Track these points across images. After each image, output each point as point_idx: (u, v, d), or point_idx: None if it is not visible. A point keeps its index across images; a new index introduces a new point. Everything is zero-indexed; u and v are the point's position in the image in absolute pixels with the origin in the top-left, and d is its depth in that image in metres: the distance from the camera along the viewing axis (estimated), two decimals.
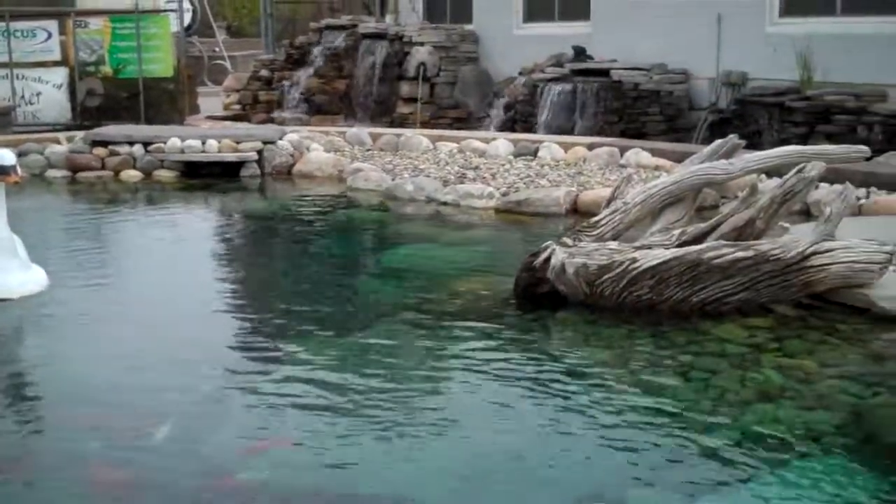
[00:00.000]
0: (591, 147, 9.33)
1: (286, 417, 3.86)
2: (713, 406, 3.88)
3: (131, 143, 9.83)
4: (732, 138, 5.57)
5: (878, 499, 3.17)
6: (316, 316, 5.21)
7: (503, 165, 9.07)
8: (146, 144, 9.81)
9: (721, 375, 4.17)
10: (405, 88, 14.21)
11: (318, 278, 6.17)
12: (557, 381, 4.20)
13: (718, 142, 5.57)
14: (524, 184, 8.23)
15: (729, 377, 4.15)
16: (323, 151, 10.09)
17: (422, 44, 14.23)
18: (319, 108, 14.97)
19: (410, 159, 9.74)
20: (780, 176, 5.31)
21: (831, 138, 9.16)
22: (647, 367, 4.30)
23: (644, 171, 8.44)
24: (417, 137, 10.47)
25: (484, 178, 8.55)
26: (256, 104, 15.73)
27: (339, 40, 15.19)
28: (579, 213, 7.33)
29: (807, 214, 6.70)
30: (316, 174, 9.52)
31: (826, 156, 5.29)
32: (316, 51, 15.49)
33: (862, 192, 7.11)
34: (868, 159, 6.13)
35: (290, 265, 6.67)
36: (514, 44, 14.19)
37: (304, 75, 15.38)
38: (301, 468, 3.47)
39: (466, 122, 13.87)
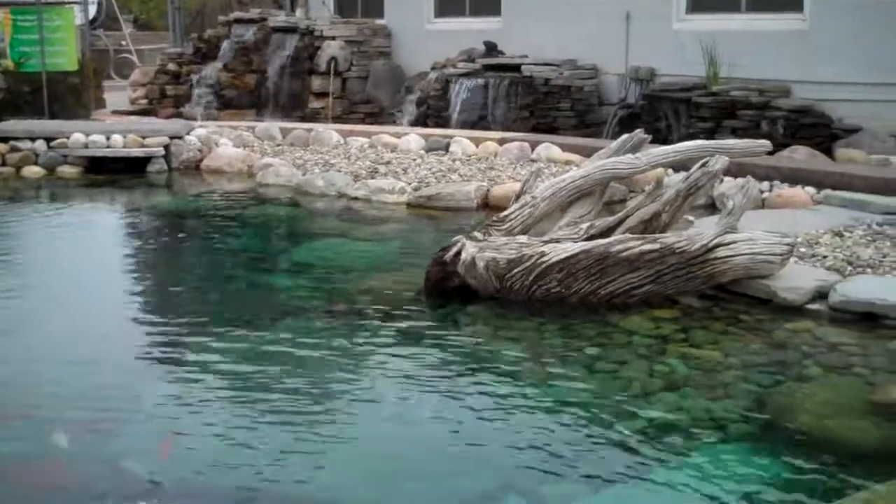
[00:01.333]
0: (501, 142, 9.37)
1: (195, 414, 3.80)
2: (621, 397, 3.93)
3: (33, 139, 9.56)
4: (638, 133, 5.65)
5: (779, 483, 3.25)
6: (225, 312, 5.14)
7: (415, 160, 9.05)
8: (49, 140, 9.54)
9: (628, 366, 4.23)
10: (316, 83, 14.09)
11: (227, 274, 6.08)
12: (468, 374, 4.22)
13: (625, 137, 5.64)
14: (435, 178, 8.22)
15: (636, 368, 4.21)
16: (232, 146, 9.95)
17: (333, 38, 14.12)
18: (229, 103, 14.75)
19: (321, 154, 9.65)
20: (686, 170, 5.40)
21: (737, 133, 9.36)
22: (557, 360, 4.34)
23: (555, 165, 8.50)
24: (328, 132, 10.38)
25: (395, 172, 8.52)
26: (164, 98, 15.44)
27: (249, 34, 14.98)
28: (490, 207, 7.35)
29: (712, 208, 6.82)
30: (225, 169, 9.38)
31: (729, 150, 5.39)
32: (225, 44, 15.26)
33: (765, 185, 7.27)
34: (771, 153, 6.28)
35: (199, 261, 6.56)
36: (426, 39, 14.18)
37: (212, 69, 15.13)
38: (209, 465, 3.41)
39: (379, 116, 13.80)
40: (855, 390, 3.94)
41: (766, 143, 5.54)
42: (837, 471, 3.32)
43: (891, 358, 4.23)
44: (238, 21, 15.47)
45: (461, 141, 9.50)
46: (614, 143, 5.63)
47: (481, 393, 4.03)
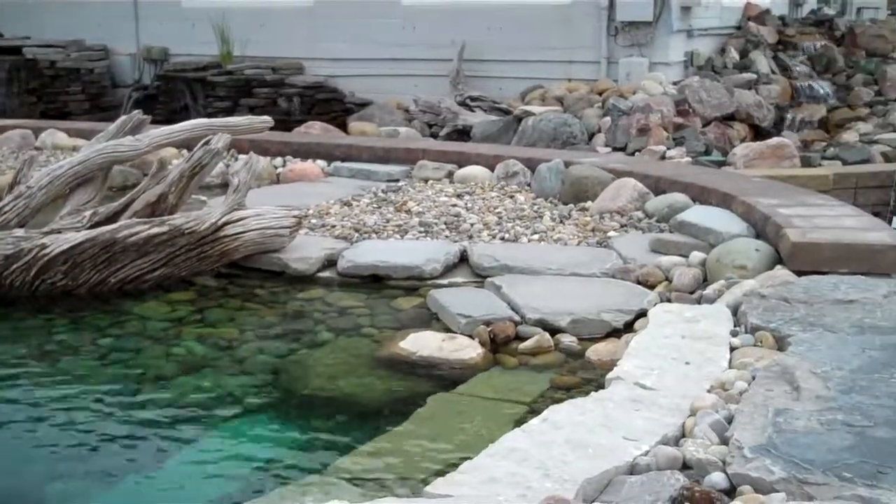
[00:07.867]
0: (1, 130, 8.69)
1: None
2: (137, 386, 3.84)
3: None
4: (137, 114, 5.50)
5: (296, 446, 3.34)
6: None
7: None
8: None
9: (144, 354, 4.13)
10: None
11: None
12: None
13: (123, 118, 5.46)
14: None
15: (151, 354, 4.12)
16: None
17: None
18: None
19: None
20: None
21: (255, 111, 9.51)
22: (67, 356, 4.14)
23: (62, 152, 8.03)
24: None
25: None
26: None
27: None
28: None
29: (227, 187, 6.83)
30: None
31: (232, 128, 5.42)
32: None
33: (279, 161, 7.43)
34: (288, 129, 6.46)
35: None
36: None
37: None
38: None
39: None
40: (363, 349, 4.15)
41: (267, 119, 5.64)
42: (348, 427, 3.48)
43: (393, 315, 4.52)
44: None
45: None
46: (112, 126, 5.43)
47: None
